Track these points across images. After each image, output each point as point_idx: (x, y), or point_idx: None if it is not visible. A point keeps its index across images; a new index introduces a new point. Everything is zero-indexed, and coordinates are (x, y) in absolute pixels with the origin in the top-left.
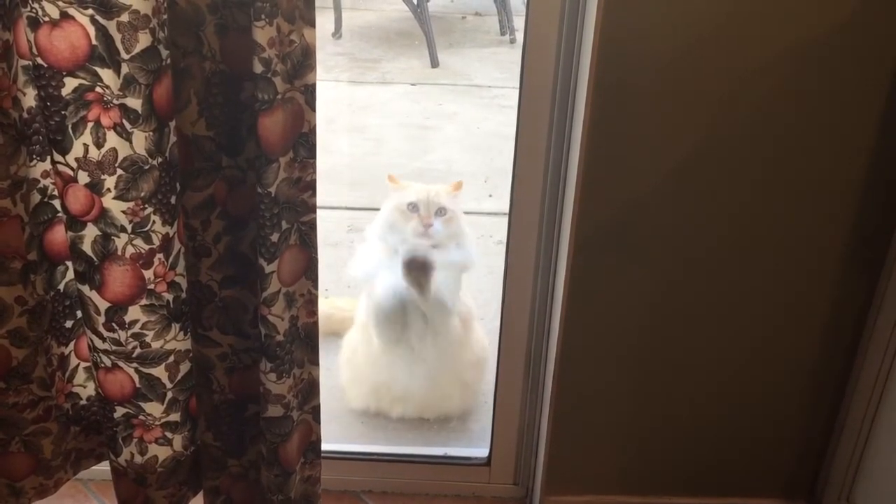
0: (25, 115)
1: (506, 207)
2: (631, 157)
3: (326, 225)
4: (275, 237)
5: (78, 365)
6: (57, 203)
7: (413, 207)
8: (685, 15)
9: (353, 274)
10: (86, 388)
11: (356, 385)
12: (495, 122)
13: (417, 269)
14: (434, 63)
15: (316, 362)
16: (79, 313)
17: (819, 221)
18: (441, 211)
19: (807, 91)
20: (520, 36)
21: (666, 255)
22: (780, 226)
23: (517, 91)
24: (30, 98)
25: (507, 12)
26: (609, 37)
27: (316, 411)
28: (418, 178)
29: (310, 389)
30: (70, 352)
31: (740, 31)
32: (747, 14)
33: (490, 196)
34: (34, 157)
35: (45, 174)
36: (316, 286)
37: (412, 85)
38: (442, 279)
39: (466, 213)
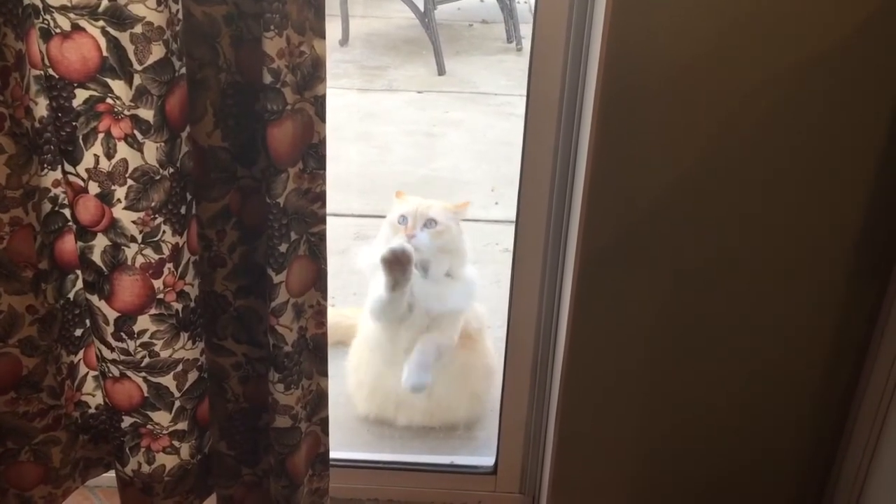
0: (37, 124)
1: (512, 215)
2: (638, 166)
3: (333, 232)
4: (283, 248)
5: (87, 374)
6: (68, 212)
7: (402, 219)
8: (693, 23)
9: (360, 265)
10: (94, 397)
11: (360, 390)
12: (501, 129)
13: (394, 264)
14: (441, 71)
15: (325, 373)
16: (88, 322)
17: (827, 232)
18: (430, 223)
19: (815, 100)
20: (526, 44)
21: (674, 264)
22: (789, 236)
23: (523, 99)
24: (42, 108)
25: (513, 20)
26: (617, 45)
27: (324, 423)
28: (425, 185)
29: (318, 401)
30: (79, 360)
31: (749, 40)
32: (756, 23)
33: (496, 204)
34: (45, 166)
35: (56, 183)
36: (325, 297)
37: (419, 92)
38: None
39: (473, 220)
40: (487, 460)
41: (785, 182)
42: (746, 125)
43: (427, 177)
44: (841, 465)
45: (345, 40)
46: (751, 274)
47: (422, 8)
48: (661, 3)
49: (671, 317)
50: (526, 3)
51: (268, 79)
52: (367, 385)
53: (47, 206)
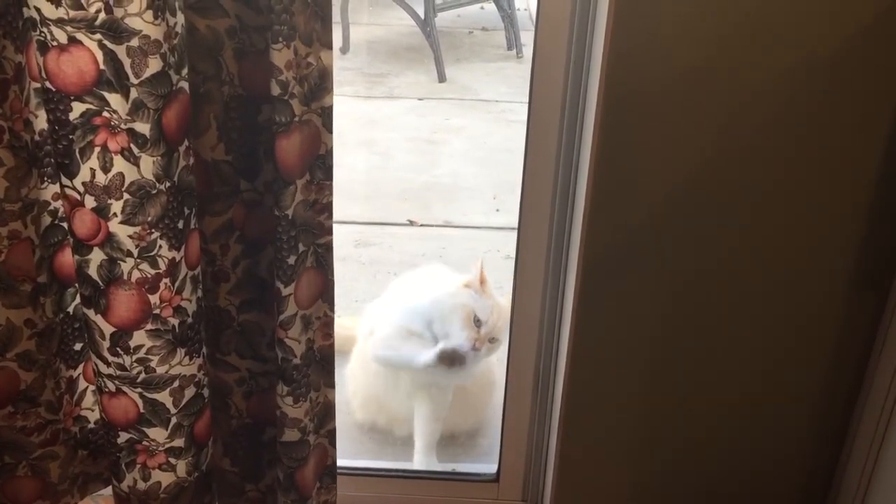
0: (37, 137)
1: (513, 222)
2: (640, 171)
3: (334, 240)
4: (291, 260)
5: (86, 388)
6: (67, 225)
7: (478, 322)
8: (695, 29)
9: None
10: (94, 412)
11: (357, 397)
12: (502, 136)
13: (447, 362)
14: (441, 78)
15: (331, 385)
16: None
17: (830, 236)
18: (493, 339)
19: (818, 105)
20: (527, 51)
21: (676, 271)
22: (790, 242)
23: (524, 106)
24: (42, 120)
25: (514, 28)
26: (618, 52)
27: (332, 435)
28: (426, 191)
29: (325, 413)
30: (79, 375)
31: (751, 44)
32: (758, 27)
33: (497, 210)
34: (45, 179)
35: (56, 196)
36: (332, 308)
37: (419, 99)
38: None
39: (474, 227)
40: (490, 468)
41: (787, 187)
42: (749, 130)
43: (428, 183)
44: (843, 473)
45: (346, 48)
46: (753, 281)
47: (422, 15)
48: (662, 9)
49: (673, 324)
50: (526, 10)
51: (276, 90)
52: (362, 393)
53: (47, 220)
